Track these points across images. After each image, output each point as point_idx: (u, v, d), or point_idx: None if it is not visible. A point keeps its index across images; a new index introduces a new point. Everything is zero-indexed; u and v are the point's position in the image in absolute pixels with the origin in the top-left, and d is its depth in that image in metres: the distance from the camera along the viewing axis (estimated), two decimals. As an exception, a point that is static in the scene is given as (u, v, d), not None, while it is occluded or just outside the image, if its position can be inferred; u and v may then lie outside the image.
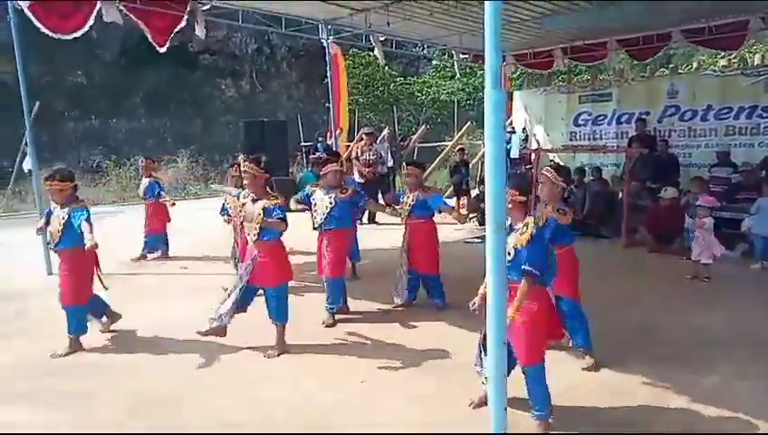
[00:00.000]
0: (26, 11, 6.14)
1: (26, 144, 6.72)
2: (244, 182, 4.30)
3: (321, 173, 5.17)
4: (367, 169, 10.17)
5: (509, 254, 3.01)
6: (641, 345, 4.35)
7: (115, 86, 21.16)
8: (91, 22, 6.63)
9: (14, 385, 3.88)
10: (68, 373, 4.07)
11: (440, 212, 5.35)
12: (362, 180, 10.44)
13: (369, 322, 5.07)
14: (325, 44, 9.72)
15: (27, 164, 6.69)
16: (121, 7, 6.85)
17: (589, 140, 11.00)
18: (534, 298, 3.05)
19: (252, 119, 13.95)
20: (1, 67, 15.14)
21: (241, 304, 4.24)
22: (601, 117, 10.88)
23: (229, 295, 4.21)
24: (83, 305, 4.51)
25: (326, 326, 4.91)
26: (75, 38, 6.71)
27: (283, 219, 4.09)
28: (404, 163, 6.13)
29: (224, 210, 6.07)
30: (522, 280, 3.00)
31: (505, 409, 2.28)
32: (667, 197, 7.78)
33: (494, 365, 2.15)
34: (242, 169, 4.31)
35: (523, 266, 2.96)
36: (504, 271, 2.16)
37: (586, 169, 9.80)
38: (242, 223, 4.50)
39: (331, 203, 4.95)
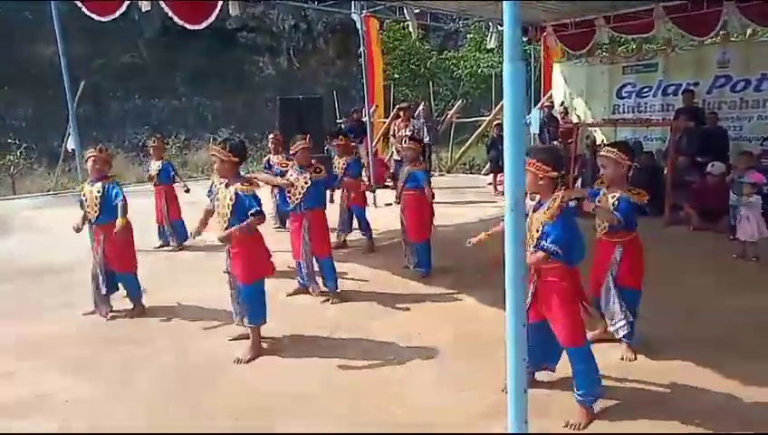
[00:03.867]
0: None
1: (69, 124, 6.94)
2: (214, 166, 3.90)
3: (291, 152, 5.08)
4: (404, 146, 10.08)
5: (537, 231, 2.94)
6: (683, 327, 4.18)
7: (157, 65, 21.61)
8: (124, 7, 6.78)
9: (60, 354, 4.08)
10: (109, 343, 4.25)
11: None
12: (399, 157, 10.39)
13: (392, 300, 5.06)
14: (356, 18, 9.59)
15: (71, 143, 6.91)
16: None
17: (632, 112, 10.58)
18: (561, 277, 2.97)
19: (289, 96, 13.98)
20: (49, 49, 15.66)
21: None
22: (646, 89, 10.42)
23: (232, 296, 4.05)
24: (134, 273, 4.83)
25: (331, 303, 4.96)
26: (118, 20, 6.86)
27: (257, 213, 3.73)
28: (406, 138, 6.32)
29: (210, 192, 5.95)
30: (559, 261, 2.90)
31: (526, 391, 2.23)
32: (715, 172, 7.42)
33: (513, 348, 2.11)
34: (210, 152, 3.93)
35: (542, 243, 2.88)
36: (523, 251, 2.10)
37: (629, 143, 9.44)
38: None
39: (306, 183, 4.86)
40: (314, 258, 4.97)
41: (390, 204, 9.72)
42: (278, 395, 3.42)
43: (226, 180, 3.85)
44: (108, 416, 3.25)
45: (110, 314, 4.77)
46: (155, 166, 7.03)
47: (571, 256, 2.92)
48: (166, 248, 7.09)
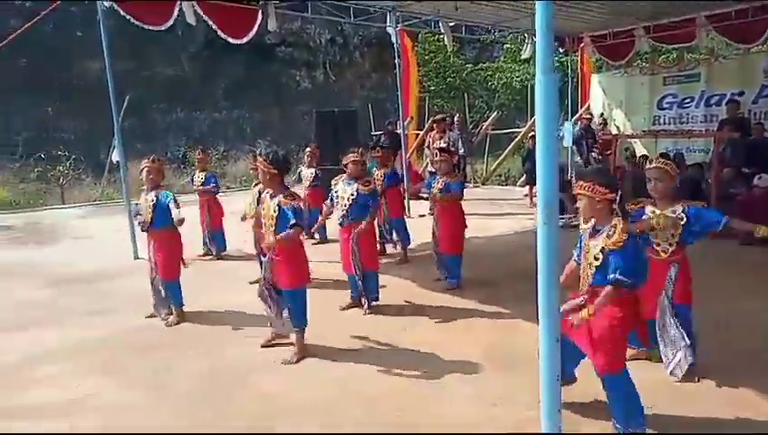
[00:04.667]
0: (115, 5, 6.64)
1: (114, 136, 7.22)
2: (259, 178, 4.09)
3: (342, 164, 5.14)
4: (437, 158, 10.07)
5: (596, 259, 2.80)
6: (727, 346, 3.98)
7: (198, 79, 22.28)
8: (173, 19, 7.09)
9: (100, 358, 4.22)
10: (147, 349, 4.37)
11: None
12: (434, 169, 10.39)
13: (424, 311, 5.04)
14: (391, 32, 9.68)
15: (115, 155, 7.19)
16: (198, 10, 7.19)
17: (674, 124, 10.32)
18: (620, 304, 2.79)
19: (324, 109, 14.19)
20: (96, 64, 16.36)
21: (283, 307, 4.09)
22: (688, 99, 10.17)
23: (266, 302, 4.11)
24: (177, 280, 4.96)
25: (364, 314, 4.96)
26: (162, 34, 7.21)
27: (297, 224, 3.86)
28: (438, 151, 6.34)
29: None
30: (608, 286, 2.76)
31: (559, 411, 2.19)
32: (763, 184, 7.16)
33: (547, 368, 2.07)
34: (255, 164, 4.11)
35: (611, 276, 2.70)
36: (555, 266, 2.07)
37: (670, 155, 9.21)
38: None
39: (352, 195, 4.91)
40: (362, 271, 4.96)
41: (424, 215, 9.72)
42: (305, 403, 3.45)
43: (271, 191, 4.02)
44: (141, 419, 3.34)
45: (167, 318, 4.92)
46: (199, 177, 7.17)
47: (635, 282, 2.78)
48: (207, 257, 7.25)
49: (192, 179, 7.22)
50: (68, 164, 14.70)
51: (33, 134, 18.03)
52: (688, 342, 3.42)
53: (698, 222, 3.37)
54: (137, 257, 7.13)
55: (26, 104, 19.05)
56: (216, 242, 7.17)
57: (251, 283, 6.00)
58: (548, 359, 2.08)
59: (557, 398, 2.13)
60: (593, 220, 2.92)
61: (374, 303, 5.08)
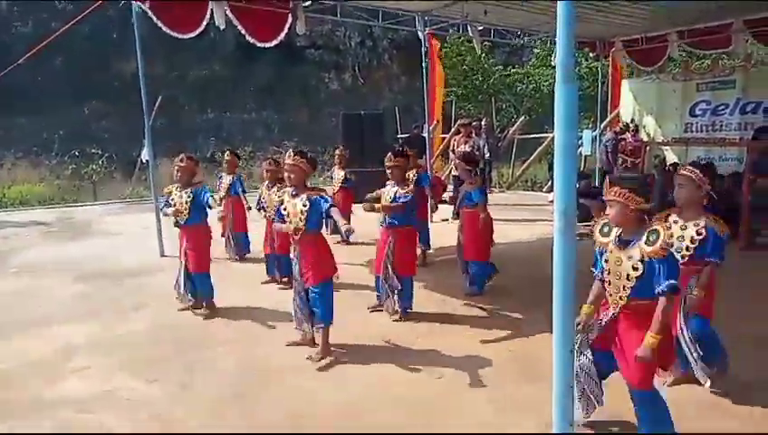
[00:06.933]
0: (148, 11, 6.78)
1: (144, 135, 7.39)
2: (290, 176, 4.08)
3: (386, 167, 5.16)
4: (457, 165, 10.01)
5: (635, 268, 2.69)
6: (757, 362, 3.87)
7: (229, 81, 22.65)
8: (203, 26, 7.22)
9: (128, 354, 4.31)
10: (175, 344, 4.47)
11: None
12: (457, 173, 10.34)
13: (443, 317, 5.03)
14: (421, 36, 9.69)
15: (145, 154, 7.35)
16: (229, 14, 7.30)
17: (706, 131, 10.07)
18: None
19: (351, 111, 14.27)
20: (132, 65, 16.79)
21: (312, 309, 4.16)
22: (722, 106, 9.92)
23: (295, 303, 4.19)
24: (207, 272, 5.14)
25: (401, 320, 4.90)
26: (195, 38, 7.35)
27: (333, 206, 3.99)
28: (458, 157, 6.39)
29: (260, 205, 6.11)
30: (655, 298, 2.66)
31: (571, 424, 2.16)
32: (797, 196, 6.96)
33: (559, 378, 2.04)
34: (288, 161, 4.08)
35: (667, 283, 2.60)
36: (571, 274, 2.05)
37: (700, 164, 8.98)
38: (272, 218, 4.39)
39: (394, 197, 4.92)
40: (395, 275, 4.89)
41: (447, 220, 9.68)
42: (326, 403, 3.49)
43: (295, 191, 4.07)
44: (166, 415, 3.41)
45: (188, 307, 5.12)
46: (227, 179, 7.13)
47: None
48: (227, 258, 7.25)
49: (219, 181, 7.26)
50: (101, 162, 15.12)
51: (70, 132, 18.58)
52: (700, 353, 3.34)
53: (710, 246, 3.27)
54: (163, 255, 7.29)
55: (64, 104, 19.66)
56: (239, 244, 7.17)
57: (263, 283, 6.11)
58: (561, 369, 2.06)
59: (569, 408, 2.11)
60: (614, 232, 2.84)
61: (408, 311, 4.99)
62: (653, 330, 2.64)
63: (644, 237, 2.71)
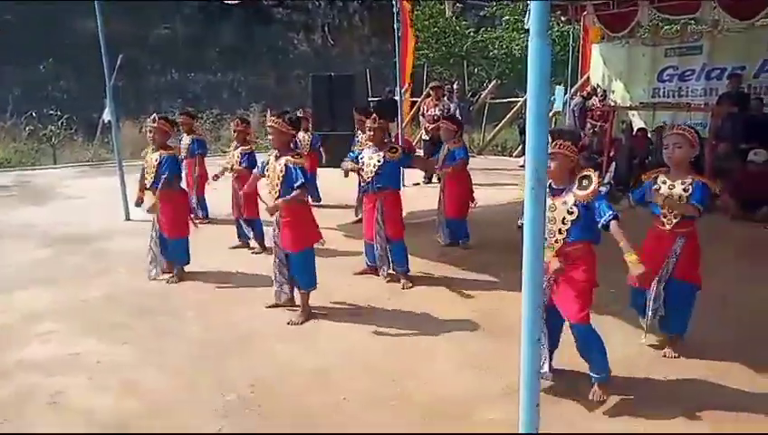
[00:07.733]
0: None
1: (105, 96, 7.11)
2: (270, 138, 4.09)
3: (367, 130, 4.93)
4: (432, 126, 9.96)
5: (570, 213, 2.85)
6: (716, 318, 4.01)
7: (193, 40, 21.84)
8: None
9: (94, 318, 4.24)
10: (143, 310, 4.39)
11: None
12: (428, 137, 10.30)
13: (423, 280, 5.05)
14: (392, -3, 9.47)
15: (106, 115, 7.09)
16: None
17: (673, 97, 10.22)
18: (588, 255, 2.95)
19: (320, 73, 13.97)
20: (91, 23, 16.06)
21: (291, 274, 4.14)
22: (689, 72, 10.04)
23: (275, 265, 4.13)
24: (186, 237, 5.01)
25: (403, 289, 4.83)
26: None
27: (302, 186, 3.93)
28: (443, 118, 6.39)
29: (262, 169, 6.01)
30: (589, 240, 2.89)
31: (540, 373, 2.22)
32: (758, 160, 7.16)
33: (528, 332, 2.08)
34: (267, 124, 4.10)
35: (609, 212, 2.78)
36: (541, 233, 2.07)
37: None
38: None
39: (378, 162, 4.75)
40: (387, 238, 4.81)
41: (418, 184, 9.69)
42: (297, 367, 3.49)
43: (277, 152, 4.03)
44: (135, 378, 3.37)
45: (155, 276, 4.92)
46: (184, 141, 7.01)
47: (598, 235, 2.92)
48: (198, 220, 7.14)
49: (179, 142, 7.01)
50: (60, 124, 14.52)
51: (25, 92, 17.72)
52: (661, 313, 3.45)
53: (698, 200, 3.27)
54: (128, 218, 7.12)
55: (18, 62, 18.67)
56: (201, 206, 7.08)
57: (231, 248, 6.02)
58: (529, 325, 2.09)
59: (536, 363, 2.16)
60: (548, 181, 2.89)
61: (408, 273, 4.95)
62: (625, 250, 2.82)
63: (575, 183, 2.87)
